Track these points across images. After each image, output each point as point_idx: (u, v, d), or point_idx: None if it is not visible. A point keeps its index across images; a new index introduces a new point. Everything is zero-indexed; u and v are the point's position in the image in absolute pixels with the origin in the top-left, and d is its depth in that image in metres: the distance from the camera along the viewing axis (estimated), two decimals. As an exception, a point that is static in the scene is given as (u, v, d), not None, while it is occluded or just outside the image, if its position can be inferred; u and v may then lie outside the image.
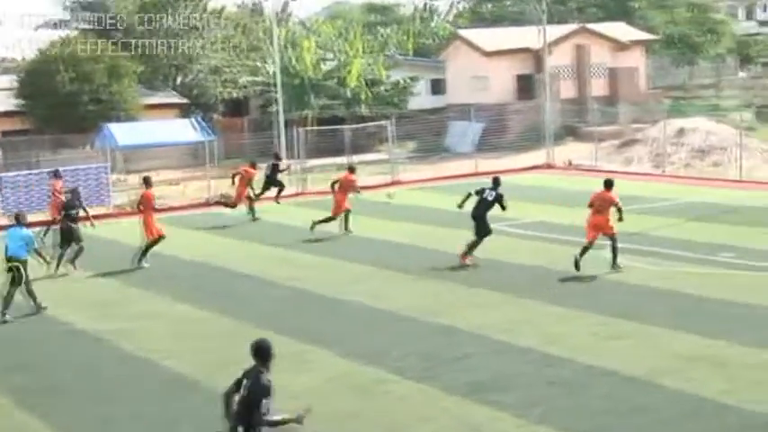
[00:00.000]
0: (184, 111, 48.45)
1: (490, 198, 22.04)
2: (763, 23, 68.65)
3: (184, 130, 39.25)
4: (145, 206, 23.95)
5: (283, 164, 34.21)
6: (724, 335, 15.42)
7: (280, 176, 32.95)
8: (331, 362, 15.40)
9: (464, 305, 18.50)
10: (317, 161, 41.86)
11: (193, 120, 40.96)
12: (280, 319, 18.14)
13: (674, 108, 49.66)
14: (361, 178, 38.00)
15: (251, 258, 24.20)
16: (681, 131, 39.82)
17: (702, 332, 15.65)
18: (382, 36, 62.11)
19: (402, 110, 49.83)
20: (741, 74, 76.23)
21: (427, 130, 47.69)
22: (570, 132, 47.42)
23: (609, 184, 21.00)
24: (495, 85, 49.58)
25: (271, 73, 46.75)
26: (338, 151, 41.37)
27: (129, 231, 29.79)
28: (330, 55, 52.96)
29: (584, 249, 20.57)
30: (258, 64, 52.24)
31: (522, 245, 24.21)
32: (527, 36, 49.08)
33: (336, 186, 27.22)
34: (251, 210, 30.66)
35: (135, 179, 40.79)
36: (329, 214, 26.95)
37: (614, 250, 20.53)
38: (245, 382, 9.93)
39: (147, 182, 24.40)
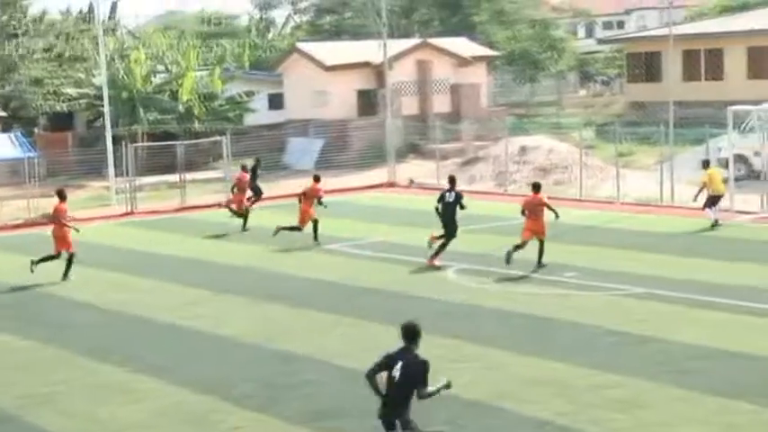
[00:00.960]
0: (3, 125, 47.00)
1: (451, 199, 24.09)
2: (602, 41, 71.15)
3: (2, 146, 38.13)
4: (58, 219, 24.22)
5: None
6: (565, 356, 15.95)
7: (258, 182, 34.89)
8: (162, 391, 15.23)
9: (304, 329, 18.59)
10: (148, 179, 41.29)
11: (12, 135, 39.80)
12: (109, 346, 17.85)
13: (517, 125, 50.94)
14: (195, 197, 37.81)
15: (82, 283, 23.65)
16: (523, 149, 40.88)
17: (544, 354, 16.15)
18: (217, 47, 61.78)
19: (239, 125, 49.61)
20: (582, 91, 78.97)
21: (265, 147, 47.54)
22: (413, 150, 48.08)
23: (537, 188, 23.56)
24: (336, 100, 49.89)
25: (97, 85, 45.85)
26: (171, 168, 40.89)
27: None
28: (162, 67, 52.31)
29: (517, 247, 22.88)
30: (82, 76, 51.16)
31: (363, 266, 24.45)
32: (368, 50, 49.62)
33: (303, 197, 28.05)
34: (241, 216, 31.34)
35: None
36: (294, 222, 27.70)
37: (541, 252, 22.90)
38: (397, 365, 10.76)
39: (60, 195, 24.66)
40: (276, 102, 53.92)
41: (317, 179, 28.60)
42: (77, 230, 24.68)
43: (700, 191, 27.83)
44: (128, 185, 36.98)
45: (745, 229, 26.93)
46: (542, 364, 15.66)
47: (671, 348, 16.19)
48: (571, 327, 17.83)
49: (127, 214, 35.90)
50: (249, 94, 51.70)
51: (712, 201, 27.38)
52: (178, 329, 18.83)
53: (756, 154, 32.16)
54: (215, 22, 71.80)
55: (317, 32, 67.82)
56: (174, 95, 48.94)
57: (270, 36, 70.45)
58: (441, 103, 50.71)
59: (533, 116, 61.45)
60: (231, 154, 39.82)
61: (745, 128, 33.91)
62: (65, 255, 24.00)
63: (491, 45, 59.70)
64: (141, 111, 47.43)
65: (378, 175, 42.31)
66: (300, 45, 54.64)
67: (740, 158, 33.47)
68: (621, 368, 15.21)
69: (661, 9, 76.05)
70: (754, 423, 12.69)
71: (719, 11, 69.87)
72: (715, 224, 27.02)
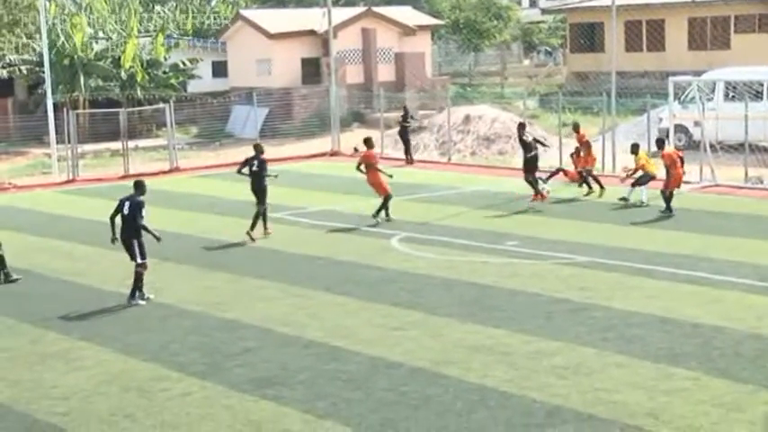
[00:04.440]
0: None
1: None
2: (545, 11, 71.36)
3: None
4: (368, 166, 25.30)
5: (413, 120, 37.95)
6: (507, 323, 16.09)
7: (409, 132, 37.20)
8: (105, 359, 15.16)
9: (248, 297, 18.57)
10: (90, 146, 40.87)
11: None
12: (52, 313, 17.72)
13: (461, 95, 51.08)
14: (139, 165, 37.50)
15: (23, 250, 23.30)
16: (467, 119, 41.04)
17: (486, 321, 16.28)
18: (160, 16, 61.10)
19: (182, 93, 49.24)
20: (525, 61, 79.20)
21: (209, 115, 47.34)
22: (357, 118, 48.10)
23: (662, 143, 26.16)
24: (280, 68, 49.68)
25: (38, 51, 45.19)
26: (114, 135, 40.50)
27: None
28: (103, 33, 51.66)
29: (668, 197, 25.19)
30: (25, 40, 50.38)
31: (307, 234, 24.47)
32: (313, 18, 49.40)
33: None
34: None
35: None
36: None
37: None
38: None
39: (367, 142, 25.89)
40: (220, 70, 53.59)
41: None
42: (390, 176, 25.80)
43: (635, 171, 27.10)
44: (69, 153, 36.56)
45: (685, 198, 27.21)
46: (484, 331, 15.78)
47: (611, 315, 16.40)
48: (513, 294, 17.98)
49: (69, 182, 35.55)
50: (193, 61, 51.31)
51: (643, 180, 26.69)
52: (121, 297, 18.70)
53: (696, 124, 32.52)
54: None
55: (262, 0, 67.28)
56: (117, 62, 48.42)
57: (213, 3, 69.72)
58: (385, 72, 50.73)
59: (477, 86, 61.60)
60: (174, 121, 39.51)
61: (685, 98, 34.27)
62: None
63: (435, 14, 59.68)
64: (82, 77, 46.88)
65: (322, 143, 42.24)
66: (244, 12, 54.26)
67: (680, 128, 33.87)
68: (563, 335, 15.38)
69: (604, -20, 76.39)
70: (693, 389, 12.91)
71: (661, -18, 70.30)
72: (626, 200, 26.66)
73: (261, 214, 23.90)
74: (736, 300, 17.20)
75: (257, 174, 23.96)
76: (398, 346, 15.26)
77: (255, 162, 24.10)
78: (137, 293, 18.37)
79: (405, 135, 37.46)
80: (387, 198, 25.28)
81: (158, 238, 18.54)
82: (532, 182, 26.59)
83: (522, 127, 27.44)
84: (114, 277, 20.35)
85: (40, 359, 15.30)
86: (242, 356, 15.02)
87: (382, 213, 25.29)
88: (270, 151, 40.25)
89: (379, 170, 25.50)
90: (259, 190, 23.93)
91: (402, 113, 38.24)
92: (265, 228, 23.96)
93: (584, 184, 28.54)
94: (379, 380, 13.80)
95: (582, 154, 28.70)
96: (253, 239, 23.46)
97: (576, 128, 29.36)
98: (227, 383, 13.85)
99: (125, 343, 15.94)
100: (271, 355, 15.07)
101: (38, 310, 18.11)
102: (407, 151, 37.19)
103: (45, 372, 14.72)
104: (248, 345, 15.59)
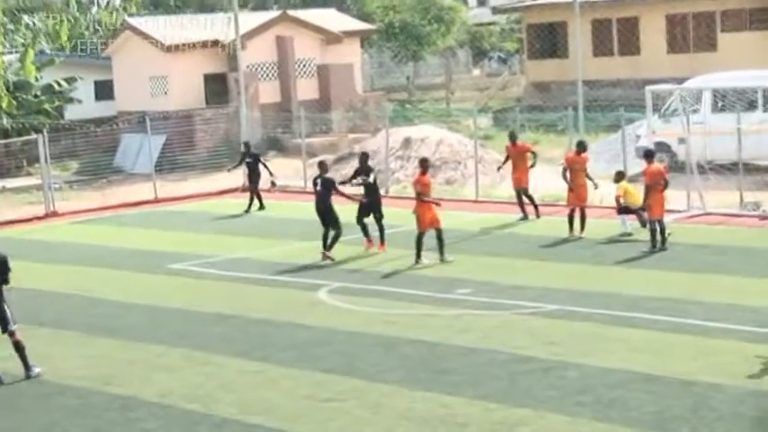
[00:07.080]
0: None
1: None
2: (496, 10, 72.04)
3: None
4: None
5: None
6: (462, 389, 16.09)
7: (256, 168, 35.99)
8: (-29, 452, 14.93)
9: (145, 368, 18.41)
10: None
11: None
12: None
13: (399, 114, 51.31)
14: (6, 210, 37.11)
15: None
16: (407, 142, 41.16)
17: (437, 387, 16.27)
18: (29, 28, 60.75)
19: (58, 121, 48.88)
20: (475, 71, 79.92)
21: (93, 147, 47.02)
22: (274, 145, 48.03)
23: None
24: (179, 87, 49.50)
25: None
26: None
27: None
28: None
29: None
30: None
31: (217, 288, 24.35)
32: (217, 26, 49.43)
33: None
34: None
35: None
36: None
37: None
38: None
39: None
40: (104, 91, 53.31)
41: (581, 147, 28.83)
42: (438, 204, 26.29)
43: (617, 205, 27.72)
44: None
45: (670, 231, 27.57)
46: (435, 399, 15.77)
47: (586, 375, 16.48)
48: (467, 353, 18.01)
49: None
50: (70, 81, 50.99)
51: (629, 209, 27.15)
52: (-12, 374, 18.45)
53: (681, 141, 32.91)
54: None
55: (154, 6, 67.21)
56: (-23, 86, 48.03)
57: (95, 11, 69.53)
58: (306, 89, 50.79)
59: (418, 102, 62.02)
60: (50, 156, 39.16)
61: (666, 111, 34.72)
62: None
63: (365, 17, 60.02)
64: (-64, 105, 46.43)
65: (232, 177, 42.09)
66: (133, 21, 54.08)
67: (662, 147, 34.26)
68: (529, 400, 15.42)
69: (565, -28, 77.49)
70: (685, 459, 13.02)
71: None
72: (628, 235, 27.12)
73: (337, 236, 26.39)
74: (733, 350, 17.39)
75: (320, 194, 26.58)
76: (331, 421, 15.20)
77: (319, 181, 26.75)
78: (29, 364, 18.13)
79: (254, 172, 35.80)
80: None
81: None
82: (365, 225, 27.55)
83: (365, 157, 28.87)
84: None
85: None
86: (139, 441, 14.88)
87: None
88: (169, 188, 40.24)
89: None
90: (324, 212, 26.47)
91: (244, 149, 37.17)
92: (328, 251, 26.28)
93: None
94: (307, 463, 13.75)
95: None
96: (332, 259, 26.12)
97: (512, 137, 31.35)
98: (121, 475, 13.73)
99: (-6, 429, 15.73)
100: (174, 437, 14.94)
101: None
102: (255, 190, 35.68)
103: None
104: (146, 426, 15.44)
